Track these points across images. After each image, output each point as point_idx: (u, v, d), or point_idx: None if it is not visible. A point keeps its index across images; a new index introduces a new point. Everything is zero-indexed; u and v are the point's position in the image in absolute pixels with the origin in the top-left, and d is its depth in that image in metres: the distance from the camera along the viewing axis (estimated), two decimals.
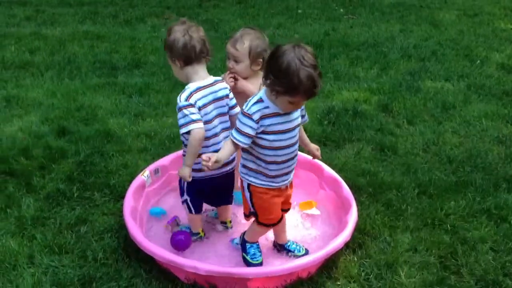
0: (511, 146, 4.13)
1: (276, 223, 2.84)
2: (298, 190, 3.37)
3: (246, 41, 2.94)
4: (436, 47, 6.43)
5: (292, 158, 2.70)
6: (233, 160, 2.96)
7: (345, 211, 3.13)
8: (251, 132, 2.52)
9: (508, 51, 6.35)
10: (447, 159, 3.94)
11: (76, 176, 3.61)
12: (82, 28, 7.07)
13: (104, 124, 4.33)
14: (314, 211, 3.35)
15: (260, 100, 2.52)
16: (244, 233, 2.96)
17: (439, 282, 2.77)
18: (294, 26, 7.35)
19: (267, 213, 2.77)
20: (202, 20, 7.55)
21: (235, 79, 3.04)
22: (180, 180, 2.97)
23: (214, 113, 2.82)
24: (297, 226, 3.25)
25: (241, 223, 3.19)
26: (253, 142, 2.59)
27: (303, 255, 2.94)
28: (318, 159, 3.05)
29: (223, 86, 2.86)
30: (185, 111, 2.68)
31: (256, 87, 3.04)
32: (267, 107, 2.51)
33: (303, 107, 2.69)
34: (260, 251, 2.93)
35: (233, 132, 2.56)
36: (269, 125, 2.53)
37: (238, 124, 2.55)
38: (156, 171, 3.45)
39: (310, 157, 3.54)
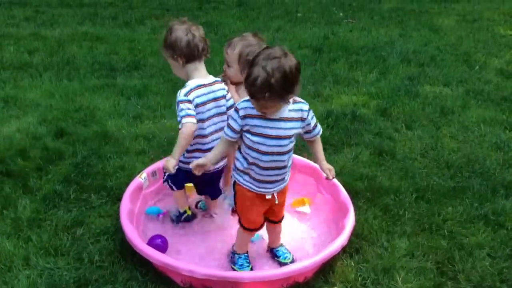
0: (509, 152, 4.12)
1: (256, 229, 2.83)
2: (295, 193, 3.37)
3: (237, 47, 2.94)
4: (435, 52, 6.44)
5: (279, 168, 2.64)
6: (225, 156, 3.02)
7: (342, 216, 3.12)
8: (235, 126, 2.55)
9: (507, 57, 6.36)
10: (445, 164, 3.93)
11: (73, 177, 3.59)
12: (81, 29, 7.07)
13: (102, 126, 4.32)
14: (306, 209, 3.36)
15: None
16: (233, 245, 2.97)
17: None
18: (293, 30, 7.36)
19: (247, 214, 2.77)
20: (202, 23, 7.45)
21: (225, 82, 3.06)
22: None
23: (214, 111, 2.92)
24: (294, 230, 3.24)
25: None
26: (242, 140, 2.61)
27: (287, 264, 2.93)
28: (329, 179, 2.82)
29: (221, 87, 2.96)
30: (182, 105, 2.78)
31: (242, 95, 3.05)
32: (253, 108, 2.50)
33: (310, 121, 2.63)
34: (248, 262, 2.92)
35: (225, 127, 2.63)
36: (254, 126, 2.53)
37: (229, 119, 2.61)
38: (153, 173, 3.44)
39: (307, 161, 3.56)
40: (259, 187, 2.68)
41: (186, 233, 3.21)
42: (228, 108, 2.97)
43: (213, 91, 2.90)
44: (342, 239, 2.87)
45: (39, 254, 2.90)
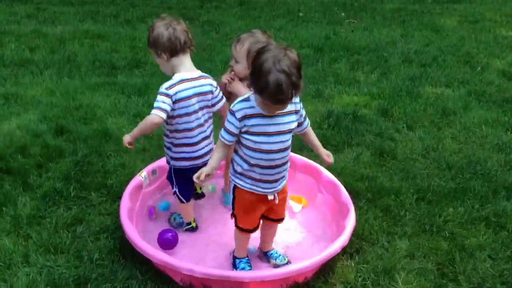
0: (510, 154, 4.11)
1: (252, 230, 2.80)
2: (295, 193, 3.36)
3: (246, 43, 2.95)
4: (437, 53, 6.43)
5: (279, 166, 2.62)
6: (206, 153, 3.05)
7: (343, 216, 3.11)
8: (233, 129, 2.50)
9: (509, 58, 6.34)
10: (446, 165, 3.92)
11: (73, 175, 3.58)
12: (82, 27, 7.07)
13: (103, 124, 4.32)
14: (297, 207, 3.37)
15: (247, 99, 2.49)
16: (233, 251, 2.95)
17: None
18: (295, 29, 7.35)
19: (245, 215, 2.74)
20: (203, 21, 7.55)
21: (232, 79, 3.08)
22: (169, 174, 3.12)
23: (198, 106, 2.92)
24: (294, 231, 3.23)
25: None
26: (239, 142, 2.56)
27: (284, 265, 2.92)
28: (329, 165, 2.91)
29: (207, 82, 2.95)
30: (159, 97, 2.82)
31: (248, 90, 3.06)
32: (252, 107, 2.46)
33: (302, 113, 2.64)
34: (249, 265, 2.90)
35: (222, 130, 2.57)
36: (253, 125, 2.48)
37: (225, 122, 2.55)
38: (153, 172, 3.43)
39: (308, 160, 3.55)
40: (262, 188, 2.65)
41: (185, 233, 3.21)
42: (214, 104, 2.99)
43: (197, 86, 2.90)
44: (342, 240, 2.86)
45: (39, 251, 2.89)
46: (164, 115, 2.81)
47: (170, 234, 2.98)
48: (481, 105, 5.00)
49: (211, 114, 3.04)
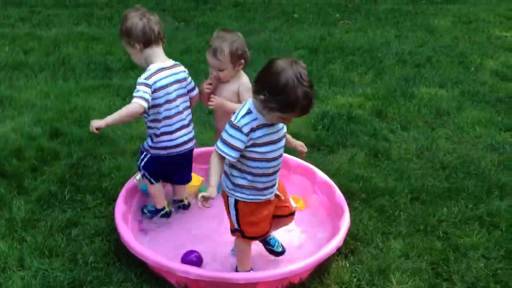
0: (504, 153, 4.14)
1: (262, 236, 2.78)
2: (290, 194, 3.36)
3: (226, 48, 2.93)
4: (431, 54, 6.45)
5: (279, 169, 2.66)
6: (193, 137, 3.13)
7: (337, 217, 3.13)
8: (240, 145, 2.43)
9: (502, 58, 6.38)
10: (440, 165, 3.95)
11: (68, 178, 3.58)
12: (77, 29, 7.04)
13: None
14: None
15: (249, 112, 2.44)
16: (236, 268, 2.88)
17: None
18: (290, 31, 7.36)
19: (254, 227, 2.70)
20: (198, 23, 7.55)
21: (210, 84, 3.14)
22: (142, 154, 3.13)
23: (175, 93, 3.00)
24: (289, 231, 3.24)
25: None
26: (242, 156, 2.50)
27: (279, 252, 2.94)
28: (304, 153, 2.98)
29: (181, 70, 3.06)
30: (139, 87, 2.86)
31: (235, 93, 3.10)
32: (255, 119, 2.43)
33: None
34: None
35: (219, 144, 2.46)
36: (259, 137, 2.46)
37: (225, 136, 2.45)
38: None
39: (303, 162, 3.56)
40: (265, 195, 2.65)
41: (179, 236, 3.21)
42: (189, 90, 3.09)
43: (175, 74, 2.98)
44: (337, 240, 2.87)
45: (34, 255, 2.88)
46: (145, 104, 2.84)
47: (193, 255, 2.92)
48: (474, 105, 5.02)
49: (188, 103, 3.11)
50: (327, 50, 6.47)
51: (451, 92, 5.33)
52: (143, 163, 3.13)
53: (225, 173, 2.63)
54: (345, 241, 2.97)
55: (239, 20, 7.82)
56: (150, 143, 3.07)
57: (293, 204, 3.34)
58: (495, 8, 8.87)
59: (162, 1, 8.76)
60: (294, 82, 2.27)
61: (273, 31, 7.29)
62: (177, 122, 3.02)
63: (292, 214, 2.90)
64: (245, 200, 2.61)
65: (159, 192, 3.22)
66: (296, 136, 3.17)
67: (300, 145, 2.95)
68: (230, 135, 2.43)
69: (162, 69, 2.93)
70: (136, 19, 2.89)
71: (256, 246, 3.03)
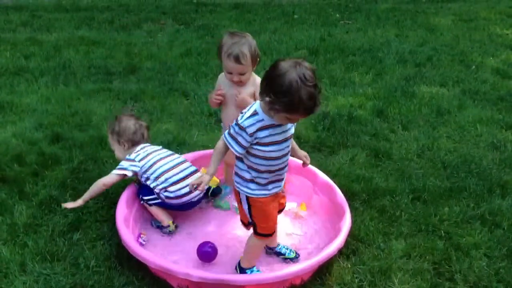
0: (505, 152, 4.13)
1: (271, 234, 2.80)
2: (291, 196, 3.37)
3: (247, 52, 2.93)
4: (431, 52, 6.44)
5: (285, 166, 2.70)
6: (203, 193, 3.28)
7: (338, 217, 3.12)
8: (244, 143, 2.50)
9: (503, 56, 6.36)
10: (442, 164, 3.94)
11: (70, 182, 3.58)
12: (77, 33, 7.06)
13: (99, 130, 4.31)
14: (302, 212, 3.39)
15: (255, 113, 2.47)
16: (239, 263, 2.90)
17: None
18: (290, 31, 7.36)
19: (265, 221, 2.73)
20: (198, 25, 7.56)
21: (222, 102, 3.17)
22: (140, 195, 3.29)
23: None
24: (290, 233, 3.24)
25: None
26: (248, 153, 2.57)
27: (293, 258, 2.98)
28: (306, 165, 2.97)
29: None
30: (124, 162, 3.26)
31: (251, 94, 3.11)
32: (261, 120, 2.46)
33: None
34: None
35: (227, 136, 2.53)
36: (264, 137, 2.49)
37: (232, 132, 2.50)
38: None
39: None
40: (270, 190, 2.68)
41: (184, 238, 3.21)
42: None
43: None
44: (338, 241, 2.87)
45: (35, 260, 2.89)
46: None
47: (208, 245, 2.96)
48: (475, 103, 5.01)
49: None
50: (328, 50, 6.47)
51: (452, 91, 5.31)
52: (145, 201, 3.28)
53: (235, 167, 2.71)
54: (347, 242, 2.96)
55: (239, 21, 7.83)
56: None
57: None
58: (495, 6, 8.85)
59: (162, 4, 8.78)
60: (298, 83, 2.28)
61: (273, 32, 7.29)
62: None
63: (283, 209, 2.98)
64: (255, 196, 2.66)
65: (161, 213, 3.24)
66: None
67: (304, 155, 2.92)
68: (237, 133, 2.49)
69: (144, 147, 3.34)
70: (130, 123, 3.34)
71: None
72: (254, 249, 2.87)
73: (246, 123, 2.46)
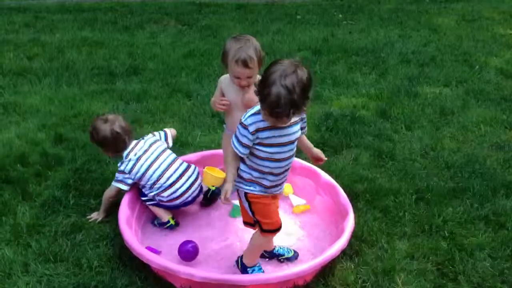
0: (509, 152, 4.11)
1: (279, 228, 2.77)
2: (294, 196, 3.37)
3: (253, 55, 2.92)
4: (435, 53, 6.42)
5: (288, 169, 2.70)
6: (198, 190, 3.29)
7: (342, 218, 3.11)
8: (247, 142, 2.52)
9: (507, 56, 6.34)
10: (445, 164, 3.92)
11: (72, 183, 3.59)
12: (80, 34, 7.07)
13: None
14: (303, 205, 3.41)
15: (257, 112, 2.49)
16: (240, 258, 2.90)
17: None
18: (293, 32, 7.35)
19: (269, 217, 2.73)
20: (201, 26, 7.56)
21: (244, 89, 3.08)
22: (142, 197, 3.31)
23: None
24: (293, 234, 3.23)
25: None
26: (250, 153, 2.58)
27: (292, 256, 2.98)
28: (324, 162, 3.00)
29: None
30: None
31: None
32: (263, 120, 2.47)
33: (305, 119, 2.68)
34: (263, 271, 2.88)
35: (233, 139, 2.58)
36: (266, 138, 2.50)
37: (237, 133, 2.55)
38: None
39: (306, 163, 3.55)
40: (273, 191, 2.70)
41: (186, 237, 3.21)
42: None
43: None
44: (341, 242, 2.86)
45: (38, 260, 2.90)
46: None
47: (190, 245, 2.97)
48: (479, 103, 4.99)
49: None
50: (330, 51, 6.46)
51: (455, 91, 5.30)
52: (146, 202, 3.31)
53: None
54: (350, 243, 2.95)
55: (242, 22, 7.83)
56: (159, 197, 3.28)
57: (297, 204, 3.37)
58: (499, 5, 8.82)
59: (165, 5, 8.78)
60: (275, 77, 2.29)
61: (276, 33, 7.28)
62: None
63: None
64: (254, 193, 2.66)
65: (161, 210, 3.27)
66: None
67: (320, 152, 2.97)
68: (240, 133, 2.52)
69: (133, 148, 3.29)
70: (108, 133, 3.24)
71: None
72: (259, 247, 2.87)
73: (248, 121, 2.49)
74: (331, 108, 4.82)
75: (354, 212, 3.14)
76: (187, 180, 3.24)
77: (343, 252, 2.91)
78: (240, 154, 2.57)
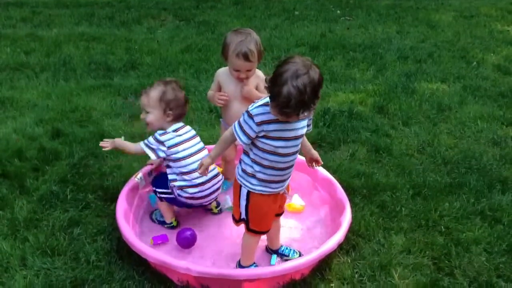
0: (506, 148, 4.13)
1: (263, 232, 2.80)
2: (291, 192, 3.37)
3: (254, 49, 2.93)
4: (432, 49, 6.43)
5: (291, 166, 2.67)
6: (213, 192, 3.19)
7: (339, 213, 3.12)
8: (251, 133, 2.47)
9: (504, 52, 6.36)
10: (442, 160, 3.94)
11: (70, 178, 3.59)
12: (78, 29, 7.06)
13: (99, 126, 4.32)
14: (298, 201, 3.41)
15: (266, 104, 2.44)
16: (239, 262, 2.90)
17: (433, 284, 2.76)
18: (290, 28, 7.35)
19: (259, 219, 2.72)
20: (199, 22, 7.55)
21: (243, 82, 3.10)
22: (157, 181, 3.23)
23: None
24: (291, 228, 3.24)
25: None
26: (254, 145, 2.54)
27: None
28: (320, 165, 2.95)
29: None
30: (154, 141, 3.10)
31: (254, 87, 3.13)
32: (269, 113, 2.43)
33: (311, 116, 2.64)
34: None
35: (236, 125, 2.52)
36: (272, 131, 2.46)
37: (241, 121, 2.50)
38: (150, 173, 3.44)
39: (303, 158, 3.55)
40: (273, 188, 2.66)
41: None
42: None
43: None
44: (338, 236, 2.87)
45: (36, 254, 2.89)
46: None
47: (188, 232, 3.00)
48: (476, 100, 5.01)
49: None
50: (328, 46, 6.46)
51: (452, 87, 5.31)
52: (162, 196, 3.20)
53: (239, 160, 2.69)
54: (347, 237, 2.96)
55: (239, 18, 7.82)
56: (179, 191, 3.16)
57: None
58: (496, 2, 8.84)
59: (163, 0, 8.76)
60: (287, 76, 2.25)
61: (273, 28, 7.29)
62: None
63: (282, 213, 2.95)
64: (256, 192, 2.64)
65: (168, 209, 3.23)
66: None
67: (316, 156, 2.90)
68: (245, 121, 2.47)
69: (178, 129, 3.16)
70: (181, 95, 3.14)
71: (261, 242, 3.04)
72: (249, 246, 2.85)
73: (255, 111, 2.44)
74: (328, 104, 4.83)
75: (351, 207, 3.15)
76: (213, 185, 3.16)
77: (340, 247, 2.92)
78: (241, 143, 2.53)
